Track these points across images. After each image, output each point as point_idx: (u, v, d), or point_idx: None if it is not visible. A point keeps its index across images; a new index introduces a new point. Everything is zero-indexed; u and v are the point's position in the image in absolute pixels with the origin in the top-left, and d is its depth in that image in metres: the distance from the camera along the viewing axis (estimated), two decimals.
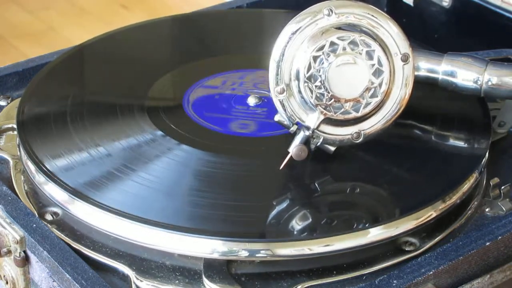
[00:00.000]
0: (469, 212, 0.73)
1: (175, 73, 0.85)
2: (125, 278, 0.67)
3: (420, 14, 0.98)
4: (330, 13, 0.69)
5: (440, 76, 0.73)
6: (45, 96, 0.80)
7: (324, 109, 0.69)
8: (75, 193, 0.69)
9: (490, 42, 0.87)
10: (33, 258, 0.68)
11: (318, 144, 0.71)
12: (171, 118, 0.77)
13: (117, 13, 1.46)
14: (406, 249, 0.69)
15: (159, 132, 0.75)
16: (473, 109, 0.79)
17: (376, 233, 0.67)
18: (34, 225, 0.68)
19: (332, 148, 0.71)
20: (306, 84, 0.69)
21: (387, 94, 0.70)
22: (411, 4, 0.98)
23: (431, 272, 0.65)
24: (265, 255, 0.65)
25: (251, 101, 0.79)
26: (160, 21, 0.93)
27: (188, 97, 0.80)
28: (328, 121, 0.70)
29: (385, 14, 0.70)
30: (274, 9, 0.96)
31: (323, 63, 0.68)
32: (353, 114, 0.70)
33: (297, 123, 0.70)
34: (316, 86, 0.69)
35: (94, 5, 1.49)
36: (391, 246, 0.69)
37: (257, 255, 0.65)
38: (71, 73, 0.85)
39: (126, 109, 0.78)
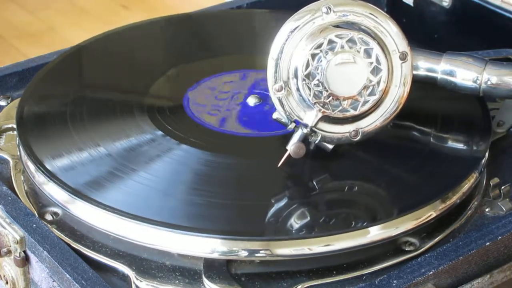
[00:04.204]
0: (469, 212, 0.73)
1: (175, 72, 0.85)
2: (125, 278, 0.67)
3: (420, 14, 0.98)
4: (329, 11, 0.69)
5: (439, 76, 0.73)
6: (45, 96, 0.80)
7: (322, 107, 0.69)
8: (75, 193, 0.69)
9: (490, 42, 0.87)
10: (33, 258, 0.68)
11: (316, 142, 0.71)
12: (171, 117, 0.77)
13: (117, 13, 1.46)
14: (406, 249, 0.69)
15: (159, 132, 0.75)
16: (473, 109, 0.79)
17: (376, 233, 0.67)
18: (34, 225, 0.68)
19: (330, 146, 0.71)
20: (304, 82, 0.69)
21: (385, 92, 0.70)
22: (411, 4, 0.98)
23: (431, 272, 0.65)
24: (265, 255, 0.65)
25: (251, 100, 0.79)
26: (159, 21, 0.93)
27: (188, 97, 0.80)
28: (326, 119, 0.70)
29: (384, 13, 0.70)
30: (274, 9, 0.96)
31: (321, 61, 0.68)
32: (351, 112, 0.70)
33: (295, 121, 0.70)
34: (314, 84, 0.69)
35: (94, 5, 1.49)
36: (391, 246, 0.69)
37: (257, 254, 0.65)
38: (71, 73, 0.85)
39: (126, 109, 0.78)
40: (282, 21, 0.70)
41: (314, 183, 0.71)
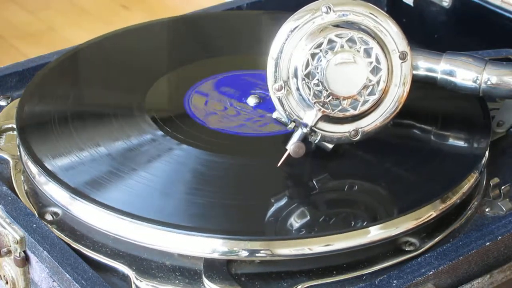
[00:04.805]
0: (469, 212, 0.73)
1: (176, 73, 0.85)
2: (125, 278, 0.67)
3: (420, 14, 0.98)
4: (329, 10, 0.69)
5: (439, 75, 0.73)
6: (45, 96, 0.80)
7: (322, 106, 0.69)
8: (75, 193, 0.69)
9: (490, 42, 0.87)
10: (33, 258, 0.68)
11: (316, 141, 0.71)
12: (172, 117, 0.77)
13: (117, 13, 1.46)
14: (406, 249, 0.69)
15: (159, 132, 0.75)
16: (473, 109, 0.79)
17: (376, 233, 0.67)
18: (34, 225, 0.68)
19: (330, 146, 0.71)
20: (304, 81, 0.69)
21: (385, 92, 0.70)
22: (411, 4, 0.98)
23: (431, 272, 0.65)
24: (265, 255, 0.65)
25: (251, 100, 0.79)
26: (160, 22, 0.93)
27: (188, 97, 0.80)
28: (326, 118, 0.70)
29: (384, 13, 0.70)
30: (275, 10, 0.96)
31: (321, 60, 0.68)
32: (351, 112, 0.70)
33: (295, 121, 0.70)
34: (314, 83, 0.69)
35: (94, 5, 1.49)
36: (391, 246, 0.69)
37: (257, 254, 0.65)
38: (71, 73, 0.85)
39: (127, 109, 0.78)
40: (282, 22, 0.70)
41: (314, 182, 0.71)
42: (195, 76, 0.83)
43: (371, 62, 0.69)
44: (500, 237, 0.68)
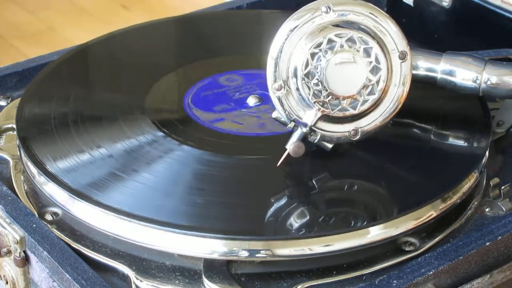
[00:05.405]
0: (469, 212, 0.73)
1: (176, 73, 0.85)
2: (125, 278, 0.67)
3: (420, 14, 0.98)
4: (328, 10, 0.69)
5: (438, 75, 0.73)
6: (45, 96, 0.80)
7: (321, 106, 0.69)
8: (75, 193, 0.69)
9: (490, 42, 0.87)
10: (33, 258, 0.68)
11: (316, 141, 0.71)
12: (172, 118, 0.77)
13: (117, 13, 1.46)
14: (406, 249, 0.69)
15: (160, 133, 0.75)
16: (473, 109, 0.79)
17: (376, 233, 0.67)
18: (34, 225, 0.68)
19: (330, 145, 0.71)
20: (303, 81, 0.69)
21: (384, 92, 0.70)
22: (411, 4, 0.98)
23: (431, 272, 0.65)
24: (265, 255, 0.65)
25: (251, 100, 0.79)
26: (160, 22, 0.93)
27: (189, 97, 0.80)
28: (326, 118, 0.70)
29: (384, 13, 0.70)
30: (274, 10, 0.96)
31: (320, 60, 0.68)
32: (351, 111, 0.70)
33: (294, 120, 0.70)
34: (313, 83, 0.69)
35: (94, 5, 1.48)
36: (391, 246, 0.69)
37: (257, 255, 0.65)
38: (72, 74, 0.85)
39: (127, 110, 0.78)
40: (282, 21, 0.70)
41: (314, 182, 0.71)
42: (195, 76, 0.83)
43: (370, 62, 0.69)
44: (500, 237, 0.68)
